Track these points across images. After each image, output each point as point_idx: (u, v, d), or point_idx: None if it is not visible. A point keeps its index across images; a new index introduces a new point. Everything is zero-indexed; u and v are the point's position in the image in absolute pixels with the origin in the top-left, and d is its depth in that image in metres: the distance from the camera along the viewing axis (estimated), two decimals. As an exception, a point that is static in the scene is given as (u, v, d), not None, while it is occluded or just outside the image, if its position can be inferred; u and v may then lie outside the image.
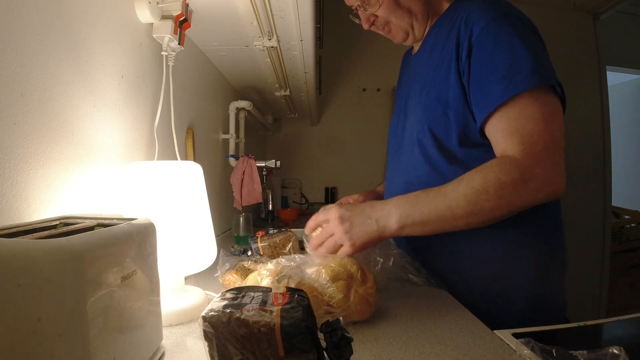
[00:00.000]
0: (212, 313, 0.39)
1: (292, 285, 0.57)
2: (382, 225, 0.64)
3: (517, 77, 0.62)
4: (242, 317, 0.38)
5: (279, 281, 0.57)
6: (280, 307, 0.40)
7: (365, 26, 0.85)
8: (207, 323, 0.39)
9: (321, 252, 0.67)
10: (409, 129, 0.82)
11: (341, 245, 0.66)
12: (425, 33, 0.84)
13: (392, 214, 0.63)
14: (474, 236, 0.72)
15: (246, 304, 0.40)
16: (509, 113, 0.63)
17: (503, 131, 0.64)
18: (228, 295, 0.44)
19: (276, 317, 0.38)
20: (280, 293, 0.44)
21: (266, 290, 0.45)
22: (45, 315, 0.29)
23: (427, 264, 0.80)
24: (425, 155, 0.77)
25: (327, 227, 0.67)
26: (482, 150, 0.70)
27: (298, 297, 0.43)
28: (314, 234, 0.71)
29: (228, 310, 0.39)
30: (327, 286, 0.57)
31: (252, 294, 0.44)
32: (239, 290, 0.45)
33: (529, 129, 0.61)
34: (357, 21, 0.87)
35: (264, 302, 0.41)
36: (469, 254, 0.74)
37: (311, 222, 0.71)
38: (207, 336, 0.39)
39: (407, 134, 0.83)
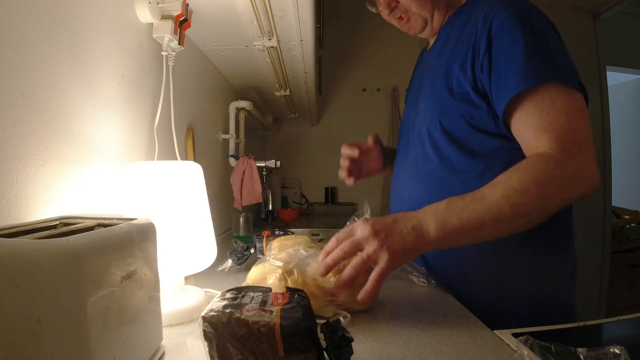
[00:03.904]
0: (212, 313, 0.39)
1: (297, 277, 0.58)
2: (419, 234, 0.56)
3: (540, 68, 0.61)
4: (242, 317, 0.38)
5: (287, 275, 0.58)
6: (280, 307, 0.40)
7: (385, 12, 0.82)
8: (207, 323, 0.39)
9: (346, 277, 0.56)
10: (419, 123, 0.82)
11: (372, 263, 0.56)
12: (442, 26, 0.83)
13: (429, 221, 0.56)
14: None
15: (246, 304, 0.40)
16: (539, 106, 0.61)
17: (535, 127, 0.62)
18: (228, 295, 0.44)
19: (276, 317, 0.38)
20: (280, 293, 0.44)
21: (266, 290, 0.45)
22: (45, 315, 0.29)
23: (429, 264, 0.80)
24: (435, 148, 0.76)
25: (352, 240, 0.57)
26: (496, 141, 0.69)
27: (298, 297, 0.43)
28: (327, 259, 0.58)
29: (228, 311, 0.39)
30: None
31: (252, 294, 0.44)
32: (239, 290, 0.45)
33: (562, 124, 0.60)
34: (373, 9, 0.85)
35: (263, 302, 0.41)
36: (472, 254, 0.74)
37: (331, 244, 0.59)
38: (207, 336, 0.39)
39: (416, 128, 0.82)
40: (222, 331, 0.38)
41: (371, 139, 0.97)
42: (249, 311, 0.39)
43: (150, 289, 0.45)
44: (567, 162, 0.57)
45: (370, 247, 0.55)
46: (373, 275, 0.55)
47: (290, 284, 0.57)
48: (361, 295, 0.54)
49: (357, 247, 0.56)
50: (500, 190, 0.56)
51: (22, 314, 0.29)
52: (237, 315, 0.39)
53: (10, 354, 0.29)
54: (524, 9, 0.66)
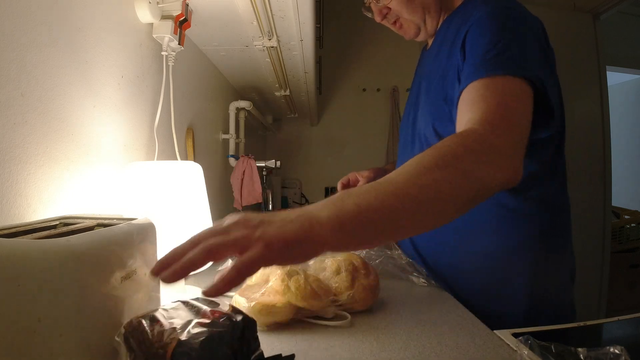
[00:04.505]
0: (133, 321, 0.37)
1: (301, 277, 0.57)
2: (306, 223, 0.40)
3: (494, 62, 0.60)
4: (155, 331, 0.36)
5: (289, 275, 0.58)
6: (185, 331, 0.36)
7: (378, 19, 0.84)
8: (124, 331, 0.37)
9: (192, 260, 0.37)
10: (417, 125, 0.82)
11: (238, 251, 0.38)
12: (437, 28, 0.83)
13: (321, 210, 0.42)
14: (475, 234, 0.72)
15: (170, 318, 0.38)
16: (483, 88, 0.59)
17: (469, 101, 0.59)
18: (171, 305, 0.41)
19: (173, 340, 0.35)
20: (212, 311, 0.40)
21: (209, 304, 0.41)
22: (45, 315, 0.29)
23: (429, 264, 0.80)
24: None
25: (212, 228, 0.40)
26: None
27: (225, 321, 0.38)
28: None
29: (145, 322, 0.37)
30: (333, 277, 0.62)
31: (195, 303, 0.41)
32: (185, 303, 0.42)
33: (496, 100, 0.56)
34: (369, 15, 0.86)
35: (188, 322, 0.37)
36: (471, 254, 0.74)
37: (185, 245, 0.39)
38: (127, 344, 0.36)
39: (415, 131, 0.83)
40: (137, 343, 0.36)
41: (363, 180, 0.98)
42: (162, 326, 0.36)
43: (150, 289, 0.45)
44: (489, 137, 0.51)
45: (238, 232, 0.38)
46: (235, 262, 0.37)
47: (292, 285, 0.57)
48: (207, 289, 0.36)
49: (217, 234, 0.38)
50: (409, 171, 0.47)
51: (22, 314, 0.29)
52: (149, 328, 0.36)
53: (10, 354, 0.29)
54: (500, 8, 0.66)
